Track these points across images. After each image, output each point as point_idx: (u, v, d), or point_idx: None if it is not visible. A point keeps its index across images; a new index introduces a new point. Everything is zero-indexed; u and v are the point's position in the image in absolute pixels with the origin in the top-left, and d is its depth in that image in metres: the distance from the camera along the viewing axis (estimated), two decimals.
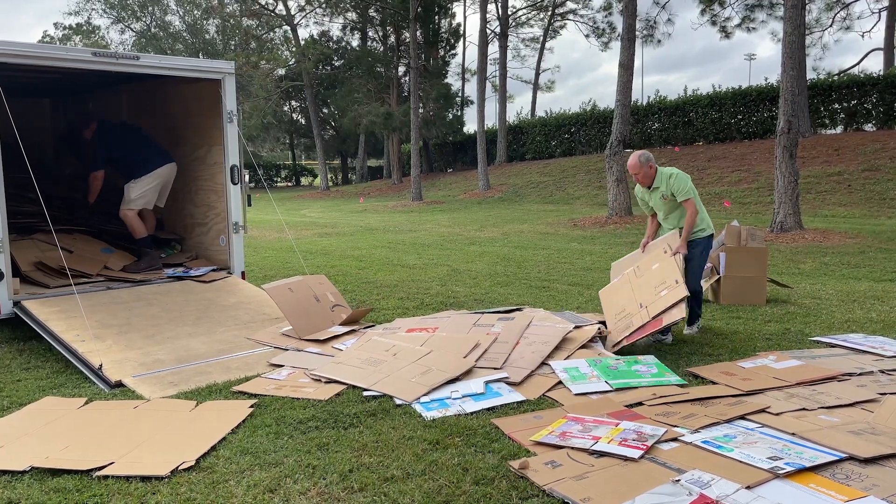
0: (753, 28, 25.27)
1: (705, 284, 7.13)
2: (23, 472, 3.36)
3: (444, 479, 3.22)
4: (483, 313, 5.96)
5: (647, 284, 5.51)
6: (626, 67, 15.55)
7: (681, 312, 5.09)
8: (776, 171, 12.61)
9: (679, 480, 3.07)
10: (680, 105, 26.11)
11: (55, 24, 49.14)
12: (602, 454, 3.41)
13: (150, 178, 7.33)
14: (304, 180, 53.56)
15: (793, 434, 3.59)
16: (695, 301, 5.79)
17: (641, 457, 3.36)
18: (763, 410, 3.97)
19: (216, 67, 7.04)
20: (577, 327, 5.42)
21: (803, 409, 3.99)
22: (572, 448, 3.48)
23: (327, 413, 4.11)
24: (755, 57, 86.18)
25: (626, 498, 2.95)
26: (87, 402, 4.40)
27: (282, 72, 39.33)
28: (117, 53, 6.51)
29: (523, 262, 10.27)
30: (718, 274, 7.06)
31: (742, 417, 3.88)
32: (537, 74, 40.61)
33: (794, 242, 11.49)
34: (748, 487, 3.01)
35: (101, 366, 4.93)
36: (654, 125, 26.98)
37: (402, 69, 34.55)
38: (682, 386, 4.49)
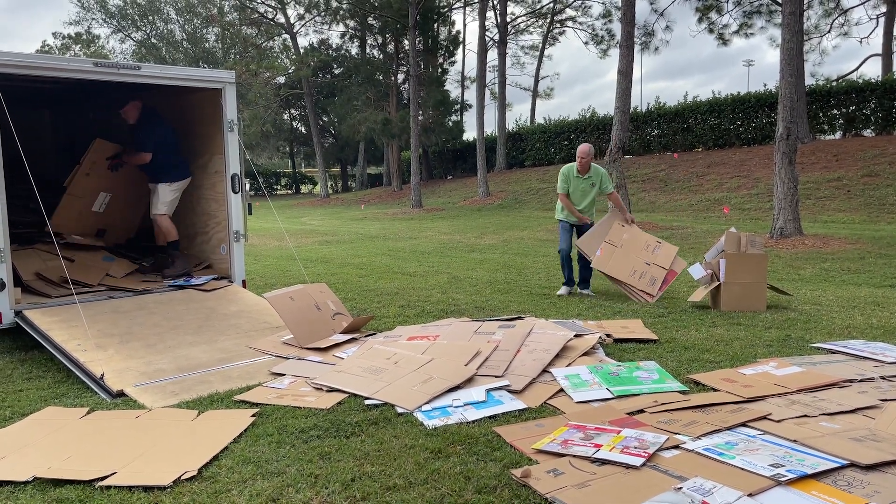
0: (751, 34, 25.36)
1: (704, 291, 7.15)
2: (25, 483, 3.36)
3: (447, 488, 3.22)
4: (483, 321, 5.97)
5: (635, 248, 7.48)
6: (625, 74, 15.60)
7: (683, 263, 7.29)
8: (775, 177, 12.63)
9: (681, 488, 3.08)
10: (679, 111, 26.19)
11: (54, 34, 49.27)
12: (604, 462, 3.41)
13: (179, 186, 7.44)
14: (303, 188, 53.66)
15: (794, 441, 3.60)
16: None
17: (643, 464, 3.36)
18: (764, 417, 3.97)
19: (216, 77, 7.07)
20: (577, 335, 5.43)
21: (804, 415, 3.99)
22: (574, 456, 3.49)
23: (329, 422, 4.11)
24: (754, 63, 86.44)
25: None
26: (88, 412, 4.40)
27: (281, 80, 39.47)
28: (118, 63, 6.54)
29: (524, 269, 10.28)
30: (718, 280, 7.07)
31: (743, 424, 3.88)
32: (536, 81, 40.75)
33: (794, 248, 11.50)
34: (750, 495, 3.01)
35: (102, 375, 4.94)
36: (654, 132, 27.06)
37: (401, 77, 34.68)
38: (683, 393, 4.49)
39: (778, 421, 3.92)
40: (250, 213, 7.41)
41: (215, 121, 7.24)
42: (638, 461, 3.37)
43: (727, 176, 21.11)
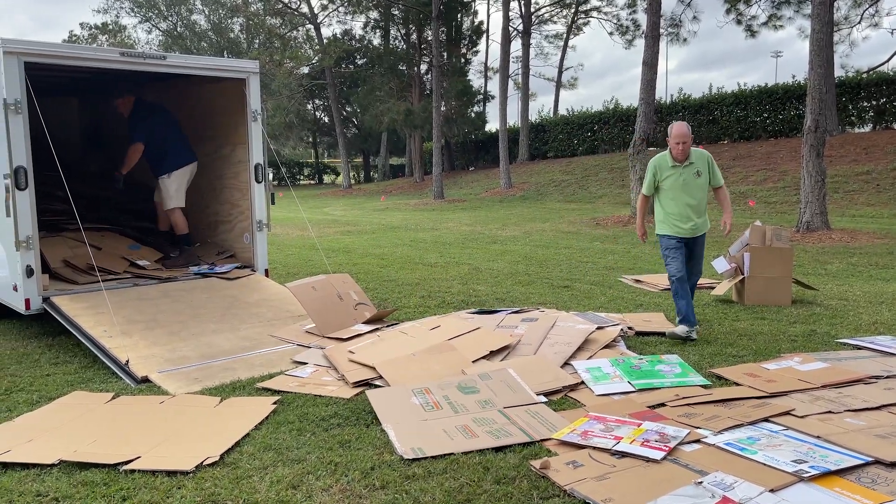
0: (780, 26, 24.87)
1: (728, 285, 7.08)
2: (52, 466, 3.42)
3: (465, 478, 3.23)
4: (493, 312, 5.96)
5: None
6: (650, 66, 15.43)
7: None
8: (803, 170, 12.45)
9: (702, 482, 3.05)
10: (704, 103, 25.87)
11: (81, 24, 49.71)
12: (624, 455, 3.40)
13: (182, 172, 7.47)
14: (326, 178, 53.84)
15: (818, 437, 3.56)
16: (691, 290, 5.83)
17: (664, 458, 3.34)
18: (788, 413, 3.93)
19: (241, 67, 7.10)
20: (599, 328, 5.40)
21: (829, 411, 3.94)
22: (594, 448, 3.48)
23: (349, 411, 4.14)
24: (782, 54, 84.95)
25: (648, 499, 2.94)
26: (114, 397, 4.47)
27: (305, 70, 39.58)
28: (144, 53, 6.59)
29: (545, 261, 10.25)
30: (743, 274, 6.99)
31: (766, 420, 3.84)
32: (560, 72, 40.44)
33: (821, 243, 11.33)
34: (772, 490, 2.99)
35: (127, 361, 5.01)
36: None
37: (423, 67, 34.62)
38: (705, 387, 4.45)
39: (801, 417, 3.87)
40: (273, 203, 7.44)
41: (239, 110, 7.28)
42: (658, 455, 3.36)
43: (753, 169, 20.83)
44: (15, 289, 5.99)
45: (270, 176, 7.47)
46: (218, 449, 3.58)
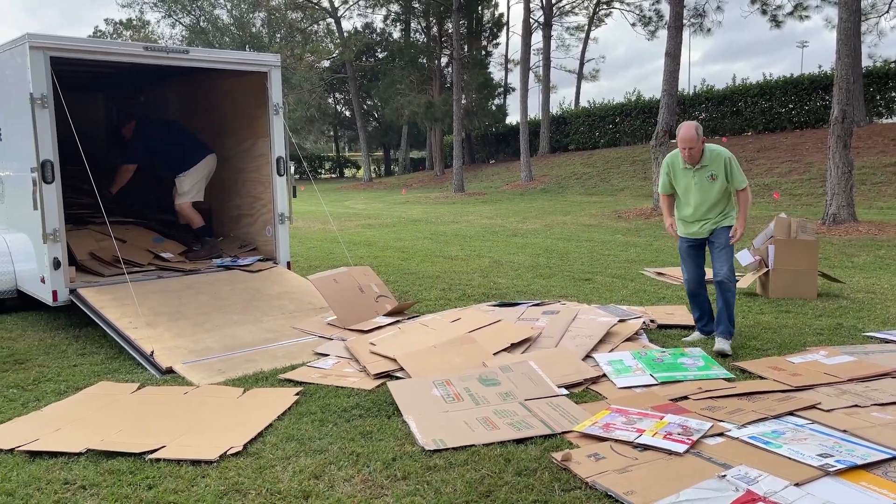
0: (806, 16, 24.46)
1: (752, 277, 7.00)
2: (79, 454, 3.48)
3: (487, 470, 3.23)
4: (514, 305, 5.95)
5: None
6: (673, 57, 15.27)
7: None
8: (829, 161, 12.26)
9: (725, 476, 3.03)
10: (728, 95, 25.57)
11: (106, 20, 50.23)
12: (646, 447, 3.38)
13: (196, 170, 7.53)
14: (347, 172, 54.02)
15: (844, 431, 3.51)
16: (730, 296, 5.14)
17: (686, 451, 3.32)
18: (813, 407, 3.88)
19: (262, 60, 7.13)
20: (621, 321, 5.37)
21: (855, 405, 3.89)
22: (616, 440, 3.46)
23: (371, 402, 4.16)
24: (808, 44, 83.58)
25: (671, 492, 2.92)
26: (139, 388, 4.53)
27: (326, 64, 39.67)
28: (167, 48, 6.65)
29: (566, 253, 10.20)
30: (767, 267, 6.91)
31: (791, 413, 3.80)
32: (581, 64, 40.18)
33: (848, 235, 11.16)
34: (797, 484, 2.95)
35: (152, 352, 5.07)
36: (701, 115, 26.47)
37: (444, 60, 34.53)
38: (728, 380, 4.41)
39: (827, 410, 3.82)
40: (295, 196, 7.48)
41: (261, 104, 7.32)
42: (681, 448, 3.33)
43: (778, 161, 20.55)
44: (43, 281, 6.09)
45: (292, 169, 7.50)
46: (241, 439, 3.61)
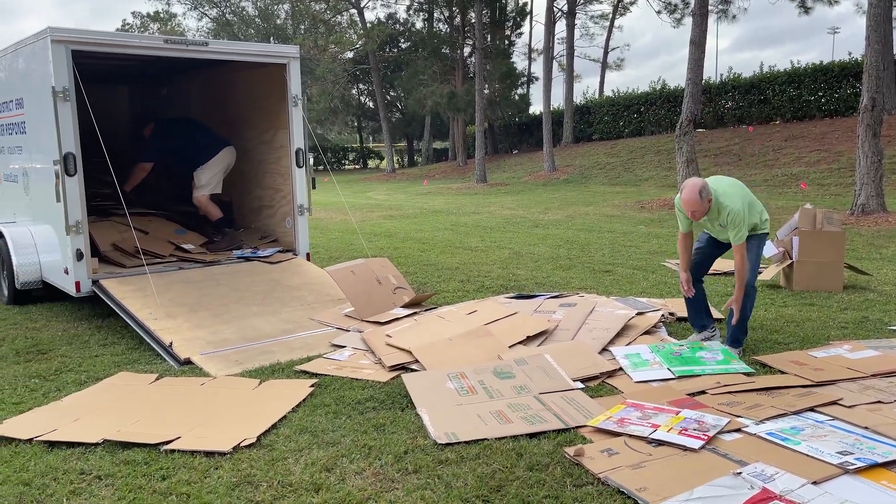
0: (836, 2, 23.91)
1: (775, 269, 6.88)
2: (95, 445, 3.52)
3: (498, 464, 3.22)
4: (531, 297, 5.90)
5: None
6: (698, 44, 15.02)
7: None
8: (858, 150, 11.99)
9: (741, 473, 2.98)
10: (755, 82, 25.10)
11: (133, 13, 50.74)
12: (661, 443, 3.34)
13: (214, 162, 7.60)
14: (371, 163, 54.13)
15: (866, 428, 3.43)
16: (747, 301, 4.70)
17: (702, 447, 3.27)
18: (835, 402, 3.80)
19: (281, 52, 7.13)
20: (639, 313, 5.31)
21: (878, 401, 3.81)
22: (630, 436, 3.42)
23: (385, 394, 4.16)
24: (839, 31, 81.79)
25: (684, 489, 2.88)
26: (157, 378, 4.58)
27: (350, 55, 39.70)
28: (187, 40, 6.68)
29: (587, 245, 10.12)
30: (791, 259, 6.78)
31: (811, 409, 3.73)
32: (606, 53, 39.76)
33: (877, 226, 10.93)
34: (815, 483, 2.90)
35: (171, 343, 5.12)
36: (728, 104, 26.06)
37: (467, 50, 34.36)
38: (748, 374, 4.35)
39: (849, 406, 3.74)
40: (314, 188, 7.49)
41: (280, 96, 7.33)
42: (696, 443, 3.28)
43: (806, 150, 20.18)
44: (66, 272, 6.17)
45: (311, 161, 7.51)
46: (255, 431, 3.63)
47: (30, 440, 3.60)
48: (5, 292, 7.12)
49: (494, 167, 29.77)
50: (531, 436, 3.51)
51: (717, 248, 5.02)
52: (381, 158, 52.22)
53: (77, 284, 6.08)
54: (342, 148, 54.64)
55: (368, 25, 36.61)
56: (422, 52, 34.44)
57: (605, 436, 3.48)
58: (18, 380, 4.65)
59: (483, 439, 3.47)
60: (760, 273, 7.08)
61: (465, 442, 3.45)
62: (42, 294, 6.97)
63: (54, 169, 5.94)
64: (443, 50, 34.02)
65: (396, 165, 41.28)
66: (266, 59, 7.11)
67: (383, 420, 3.78)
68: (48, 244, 6.60)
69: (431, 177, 31.25)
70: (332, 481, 3.11)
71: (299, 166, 7.33)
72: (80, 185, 6.04)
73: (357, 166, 52.81)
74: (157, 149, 7.73)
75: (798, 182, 17.42)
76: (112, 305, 5.87)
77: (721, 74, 32.02)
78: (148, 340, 5.33)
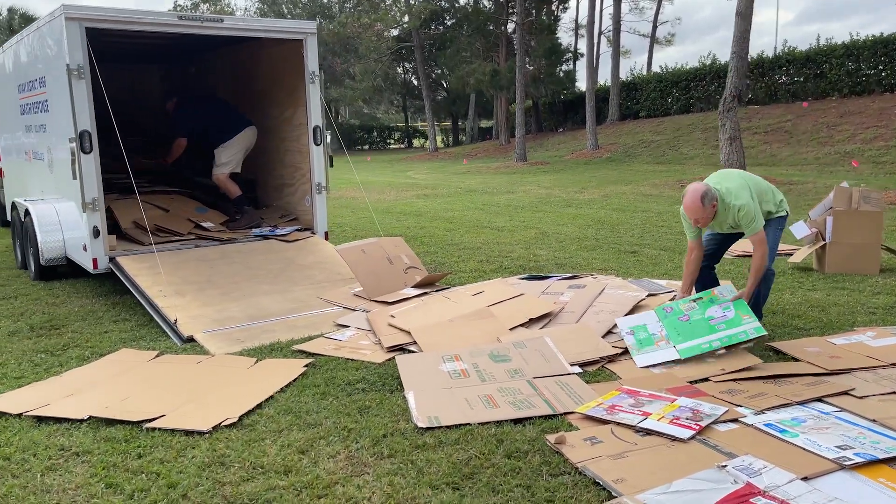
0: None
1: (807, 251, 6.56)
2: (81, 421, 3.54)
3: (476, 450, 3.11)
4: (544, 278, 5.74)
5: None
6: (744, 16, 14.39)
7: None
8: None
9: (726, 466, 2.81)
10: (811, 56, 24.05)
11: None
12: (649, 432, 3.18)
13: (235, 141, 7.58)
14: (416, 142, 54.06)
15: (873, 420, 3.21)
16: (763, 285, 4.53)
17: (692, 437, 3.10)
18: (846, 393, 3.57)
19: (297, 27, 7.05)
20: (650, 295, 5.10)
21: (893, 392, 3.56)
22: (618, 424, 3.27)
23: (377, 376, 4.08)
24: None
25: (663, 481, 2.73)
26: (157, 356, 4.59)
27: (395, 32, 39.52)
28: (202, 16, 6.65)
29: (618, 225, 9.85)
30: (824, 240, 6.45)
31: (819, 399, 3.51)
32: (654, 27, 38.65)
33: None
34: (805, 478, 2.71)
35: (175, 320, 5.14)
36: (782, 78, 25.08)
37: (511, 26, 33.79)
38: (759, 338, 4.10)
39: (860, 397, 3.52)
40: (331, 166, 7.43)
41: (300, 73, 7.26)
42: (686, 434, 3.12)
43: (862, 126, 19.30)
44: (85, 249, 6.26)
45: (328, 139, 7.43)
46: (239, 410, 3.59)
47: (19, 415, 3.64)
48: (32, 268, 7.28)
49: (537, 146, 29.37)
50: (516, 421, 3.39)
51: (732, 235, 4.75)
52: (426, 138, 52.15)
53: (94, 261, 6.16)
54: (387, 127, 54.69)
55: (412, 2, 36.33)
56: (466, 30, 34.04)
57: (593, 423, 3.33)
58: (26, 355, 4.72)
59: (466, 424, 3.36)
60: (791, 255, 6.78)
61: (447, 427, 3.35)
62: (67, 270, 7.10)
63: (70, 147, 6.00)
64: (487, 26, 33.55)
65: (441, 144, 41.12)
66: (282, 34, 7.03)
67: (369, 402, 3.70)
68: (72, 221, 6.70)
69: (474, 156, 31.00)
70: (305, 464, 3.05)
71: (317, 144, 7.27)
72: (95, 163, 6.08)
73: (402, 146, 52.79)
74: (183, 124, 7.76)
75: (850, 159, 16.69)
76: (125, 282, 5.93)
77: (775, 48, 30.79)
78: (155, 317, 5.36)
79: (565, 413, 3.45)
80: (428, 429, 3.34)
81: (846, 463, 2.80)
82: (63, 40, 5.85)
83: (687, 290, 4.68)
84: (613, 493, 2.70)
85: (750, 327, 4.16)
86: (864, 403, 3.43)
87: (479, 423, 3.36)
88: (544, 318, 4.75)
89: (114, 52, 8.64)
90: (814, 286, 5.95)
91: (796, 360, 4.12)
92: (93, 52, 5.98)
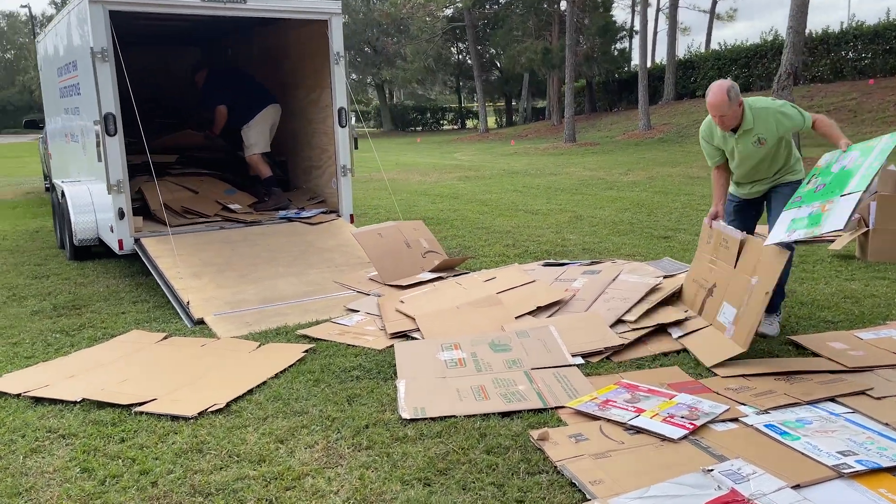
0: None
1: (848, 238, 6.19)
2: (75, 403, 3.57)
3: (456, 444, 3.00)
4: (563, 265, 5.55)
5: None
6: None
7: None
8: None
9: (712, 470, 2.63)
10: (880, 31, 22.83)
11: None
12: (639, 430, 3.02)
13: (258, 119, 7.59)
14: (469, 123, 53.74)
15: (886, 424, 2.98)
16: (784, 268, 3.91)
17: (683, 437, 2.93)
18: (862, 392, 3.33)
19: (322, 8, 6.97)
20: (667, 276, 4.86)
21: None
22: (608, 420, 3.12)
23: (375, 363, 4.01)
24: None
25: (642, 484, 2.58)
26: (165, 338, 4.63)
27: (448, 12, 39.20)
28: None
29: (656, 208, 9.53)
30: (867, 227, 6.07)
31: (832, 399, 3.28)
32: (714, 2, 37.27)
33: None
34: (796, 487, 2.52)
35: (188, 302, 5.17)
36: (848, 54, 23.88)
37: (563, 4, 33.10)
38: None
39: (878, 398, 3.27)
40: (356, 148, 7.37)
41: (326, 54, 7.20)
42: (677, 433, 2.95)
43: None
44: (111, 230, 6.37)
45: (353, 120, 7.37)
46: (227, 396, 3.57)
47: (18, 395, 3.70)
48: (68, 249, 7.47)
49: (589, 126, 28.78)
50: (505, 415, 3.27)
51: (749, 216, 4.46)
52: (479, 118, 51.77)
53: (120, 242, 6.25)
54: (441, 108, 54.50)
55: None
56: (519, 8, 33.48)
57: (583, 419, 3.19)
58: (42, 334, 4.82)
59: (451, 416, 3.26)
60: (832, 242, 6.42)
61: (432, 418, 3.26)
62: (101, 251, 7.25)
63: (95, 129, 6.08)
64: (540, 4, 32.92)
65: (494, 125, 40.74)
66: (307, 15, 6.97)
67: (360, 390, 3.63)
68: (104, 203, 6.82)
69: (524, 136, 30.59)
70: (280, 454, 3.00)
71: (342, 126, 7.21)
72: (120, 145, 6.15)
73: (455, 126, 52.55)
74: (220, 93, 7.80)
75: None
76: (147, 263, 6.01)
77: (841, 22, 29.34)
78: (170, 299, 5.41)
79: (556, 407, 3.32)
80: (412, 420, 3.25)
81: (845, 471, 2.59)
82: (87, 23, 5.91)
83: (720, 199, 4.42)
84: (587, 496, 2.56)
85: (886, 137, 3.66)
86: (881, 405, 3.19)
87: (465, 416, 3.26)
88: (554, 306, 4.58)
89: (149, 35, 8.76)
90: (852, 276, 5.61)
91: (816, 355, 3.87)
92: (128, 34, 6.03)
